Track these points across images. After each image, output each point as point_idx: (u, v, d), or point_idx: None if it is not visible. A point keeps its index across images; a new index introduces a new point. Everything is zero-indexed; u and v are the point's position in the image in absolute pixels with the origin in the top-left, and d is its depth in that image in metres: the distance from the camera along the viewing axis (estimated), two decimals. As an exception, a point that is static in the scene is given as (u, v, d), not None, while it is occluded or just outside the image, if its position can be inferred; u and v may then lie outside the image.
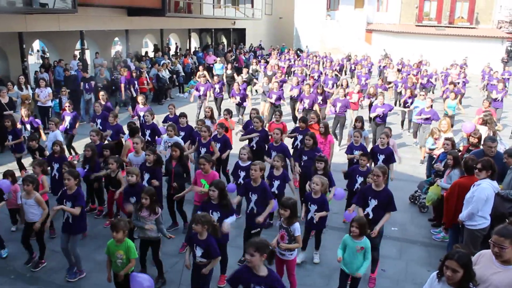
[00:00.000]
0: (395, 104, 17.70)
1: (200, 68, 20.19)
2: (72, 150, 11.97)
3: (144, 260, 6.67)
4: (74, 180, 6.65)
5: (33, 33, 18.67)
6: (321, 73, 21.46)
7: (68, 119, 11.72)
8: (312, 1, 38.52)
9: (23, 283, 6.72)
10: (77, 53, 21.94)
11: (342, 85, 16.42)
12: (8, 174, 7.87)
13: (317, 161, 7.96)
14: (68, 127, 11.65)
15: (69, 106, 11.89)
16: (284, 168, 8.09)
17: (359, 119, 10.43)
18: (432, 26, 36.07)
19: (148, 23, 24.05)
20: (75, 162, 10.95)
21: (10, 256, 7.41)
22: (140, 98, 12.62)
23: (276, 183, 7.87)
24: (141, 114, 11.78)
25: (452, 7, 35.89)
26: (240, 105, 15.64)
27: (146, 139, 9.97)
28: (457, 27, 35.59)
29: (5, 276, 6.88)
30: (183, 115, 10.67)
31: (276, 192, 7.78)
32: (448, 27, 35.76)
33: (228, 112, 11.38)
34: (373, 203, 6.50)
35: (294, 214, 5.91)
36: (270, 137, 10.11)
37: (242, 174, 8.04)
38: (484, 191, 6.25)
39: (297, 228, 5.91)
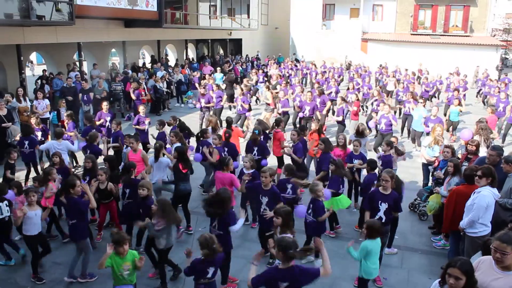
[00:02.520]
0: (395, 113, 17.82)
1: (207, 76, 20.12)
2: (73, 160, 12.00)
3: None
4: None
5: (31, 45, 18.72)
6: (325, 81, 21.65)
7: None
8: (307, 11, 38.78)
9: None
10: (74, 64, 21.97)
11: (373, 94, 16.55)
12: (14, 185, 7.87)
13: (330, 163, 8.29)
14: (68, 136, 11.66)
15: (71, 116, 12.14)
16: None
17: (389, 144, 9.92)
18: (427, 35, 36.37)
19: (145, 34, 24.15)
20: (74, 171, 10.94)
21: (12, 268, 7.39)
22: (141, 108, 12.71)
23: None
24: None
25: (446, 16, 36.24)
26: (241, 114, 15.76)
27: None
28: (452, 35, 35.93)
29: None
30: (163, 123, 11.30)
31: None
32: (443, 35, 36.08)
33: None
34: (383, 206, 6.71)
35: (286, 223, 5.89)
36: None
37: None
38: (484, 198, 6.29)
39: None
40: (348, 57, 34.50)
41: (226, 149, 9.79)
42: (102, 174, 7.94)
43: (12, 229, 7.63)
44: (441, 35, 36.16)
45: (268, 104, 16.44)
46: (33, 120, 11.85)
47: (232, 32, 33.13)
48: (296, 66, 30.32)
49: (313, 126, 11.22)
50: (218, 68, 23.84)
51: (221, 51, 35.72)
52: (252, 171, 8.08)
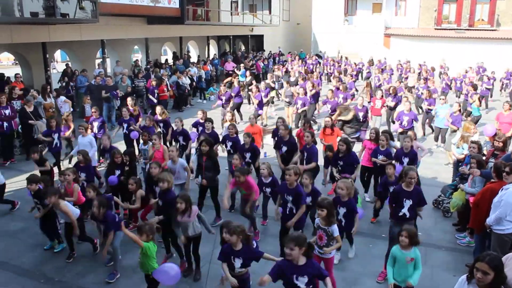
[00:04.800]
0: (417, 110, 17.61)
1: (234, 80, 20.13)
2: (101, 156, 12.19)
3: (190, 256, 6.92)
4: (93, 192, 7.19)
5: (55, 42, 19.00)
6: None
7: (96, 124, 11.94)
8: (329, 6, 38.47)
9: (53, 286, 6.85)
10: (98, 61, 22.29)
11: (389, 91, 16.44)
12: (42, 180, 8.01)
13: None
14: (96, 132, 11.88)
15: (95, 112, 12.14)
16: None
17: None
18: (451, 29, 35.68)
19: (167, 31, 24.31)
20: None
21: (40, 261, 7.57)
22: (158, 109, 12.64)
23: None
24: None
25: (472, 10, 35.48)
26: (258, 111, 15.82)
27: (180, 145, 10.68)
28: (478, 30, 35.14)
29: (34, 280, 7.04)
30: (209, 120, 11.02)
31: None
32: (468, 29, 35.32)
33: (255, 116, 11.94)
34: (408, 203, 6.64)
35: (332, 214, 5.92)
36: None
37: (268, 190, 8.16)
38: (512, 195, 6.16)
39: (336, 229, 5.93)
40: (371, 52, 34.13)
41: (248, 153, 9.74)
42: (133, 184, 8.05)
43: (56, 217, 7.83)
44: (466, 29, 35.42)
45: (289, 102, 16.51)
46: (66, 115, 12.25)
47: (253, 28, 33.12)
48: (318, 62, 30.23)
49: (327, 119, 11.19)
50: (241, 65, 23.89)
51: (243, 47, 35.75)
52: (270, 179, 8.06)
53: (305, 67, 25.50)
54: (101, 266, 7.30)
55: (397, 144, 11.06)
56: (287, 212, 7.00)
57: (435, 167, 12.27)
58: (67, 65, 21.31)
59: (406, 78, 23.67)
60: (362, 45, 36.38)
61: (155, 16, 21.73)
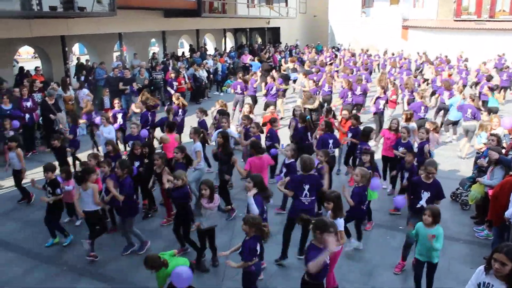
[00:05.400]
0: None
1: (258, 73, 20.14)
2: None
3: (204, 248, 6.99)
4: (123, 171, 7.18)
5: (74, 36, 19.22)
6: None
7: (120, 115, 12.18)
8: (346, -2, 38.24)
9: (74, 274, 7.05)
10: (116, 54, 22.51)
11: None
12: (63, 171, 8.19)
13: (363, 153, 8.22)
14: (121, 123, 12.14)
15: (118, 103, 12.40)
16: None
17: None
18: (471, 21, 35.06)
19: (184, 24, 24.43)
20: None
21: (62, 249, 7.78)
22: (174, 97, 12.89)
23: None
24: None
25: (492, 0, 34.85)
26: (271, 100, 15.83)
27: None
28: (499, 21, 34.44)
29: (57, 267, 7.25)
30: (222, 112, 11.25)
31: None
32: (489, 21, 34.63)
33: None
34: (425, 195, 6.69)
35: (338, 208, 5.94)
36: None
37: (284, 170, 8.23)
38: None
39: (340, 223, 5.93)
40: (388, 45, 33.81)
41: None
42: (158, 159, 8.16)
43: (61, 212, 8.03)
44: (486, 20, 34.75)
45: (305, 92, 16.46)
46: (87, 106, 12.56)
47: (270, 20, 33.05)
48: (335, 54, 30.08)
49: (344, 113, 11.20)
50: (256, 58, 23.92)
51: (259, 40, 35.69)
52: (292, 160, 8.16)
53: (322, 59, 25.38)
54: (122, 256, 7.46)
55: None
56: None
57: (452, 160, 12.18)
58: (78, 58, 21.55)
59: (420, 71, 23.44)
60: (379, 37, 36.05)
61: (172, 9, 21.87)
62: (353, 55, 28.81)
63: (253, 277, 5.56)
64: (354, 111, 13.38)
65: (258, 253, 5.42)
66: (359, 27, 37.56)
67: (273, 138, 10.14)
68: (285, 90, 17.65)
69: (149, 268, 5.60)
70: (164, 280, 5.70)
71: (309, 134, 10.47)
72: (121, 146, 11.54)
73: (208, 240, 6.93)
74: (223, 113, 11.49)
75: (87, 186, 7.18)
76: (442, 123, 14.62)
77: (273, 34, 36.35)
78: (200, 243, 6.97)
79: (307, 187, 6.85)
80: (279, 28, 35.85)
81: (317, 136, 9.94)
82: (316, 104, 13.23)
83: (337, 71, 20.69)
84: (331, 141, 9.50)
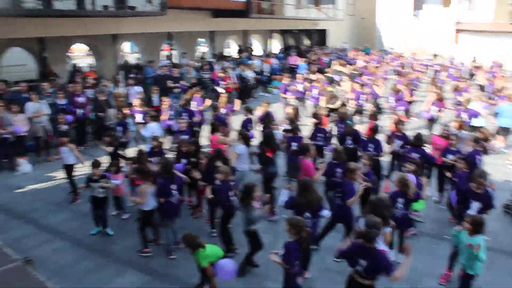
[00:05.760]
0: None
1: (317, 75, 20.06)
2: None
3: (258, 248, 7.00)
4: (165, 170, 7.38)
5: (124, 34, 19.72)
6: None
7: (168, 113, 12.44)
8: (395, 0, 37.48)
9: (120, 265, 7.30)
10: (165, 53, 22.95)
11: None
12: (113, 165, 8.44)
13: (408, 162, 8.05)
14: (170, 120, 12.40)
15: (167, 101, 12.71)
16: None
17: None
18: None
19: (232, 24, 24.64)
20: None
21: (109, 240, 8.06)
22: (223, 98, 13.02)
23: None
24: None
25: (552, 2, 33.28)
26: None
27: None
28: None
29: (105, 258, 7.55)
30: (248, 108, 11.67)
31: None
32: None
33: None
34: (475, 205, 6.52)
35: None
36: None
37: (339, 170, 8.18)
38: None
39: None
40: (439, 48, 32.94)
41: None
42: (203, 158, 8.29)
43: (108, 206, 8.28)
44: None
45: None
46: (136, 102, 12.82)
47: (317, 22, 32.87)
48: (383, 58, 29.61)
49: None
50: (303, 59, 23.84)
51: (306, 42, 35.55)
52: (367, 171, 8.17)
53: (370, 63, 25.03)
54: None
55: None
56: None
57: (504, 169, 11.76)
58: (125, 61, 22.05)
59: (472, 76, 22.75)
60: (430, 40, 35.16)
61: (220, 10, 22.08)
62: (400, 57, 28.32)
63: (293, 278, 5.51)
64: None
65: (298, 256, 5.38)
66: (409, 30, 36.75)
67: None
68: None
69: (186, 246, 5.78)
70: (203, 261, 5.79)
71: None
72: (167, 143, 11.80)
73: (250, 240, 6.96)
74: (268, 114, 11.59)
75: (143, 185, 7.34)
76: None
77: (320, 36, 36.12)
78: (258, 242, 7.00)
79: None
80: (326, 30, 35.59)
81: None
82: (337, 104, 13.38)
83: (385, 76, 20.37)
84: (372, 146, 9.42)
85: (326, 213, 6.62)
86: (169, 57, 22.57)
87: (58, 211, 9.26)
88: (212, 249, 5.95)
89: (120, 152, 10.33)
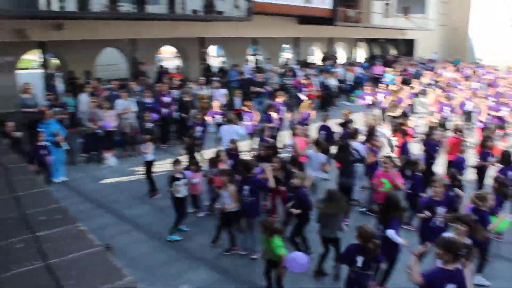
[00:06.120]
0: None
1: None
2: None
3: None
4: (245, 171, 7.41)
5: (211, 38, 20.24)
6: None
7: (249, 117, 12.63)
8: (491, 10, 35.50)
9: (193, 261, 7.44)
10: (249, 58, 23.31)
11: None
12: (193, 164, 8.67)
13: (495, 181, 7.68)
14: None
15: (249, 106, 12.90)
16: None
17: None
18: None
19: (317, 31, 24.55)
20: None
21: (185, 236, 8.21)
22: (305, 103, 12.99)
23: None
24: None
25: None
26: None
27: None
28: None
29: (179, 253, 7.74)
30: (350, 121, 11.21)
31: None
32: None
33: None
34: None
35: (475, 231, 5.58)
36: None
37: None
38: None
39: None
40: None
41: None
42: (277, 163, 8.30)
43: (187, 204, 8.46)
44: None
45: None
46: (216, 104, 13.08)
47: (405, 32, 31.93)
48: (475, 70, 28.20)
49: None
50: (390, 69, 23.20)
51: (392, 51, 34.63)
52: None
53: (454, 76, 23.87)
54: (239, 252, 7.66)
55: None
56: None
57: None
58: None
59: None
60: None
61: (306, 16, 22.07)
62: (493, 70, 26.79)
63: None
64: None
65: (356, 263, 5.36)
66: (505, 40, 34.67)
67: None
68: (412, 105, 16.96)
69: (262, 230, 5.85)
70: (279, 248, 5.77)
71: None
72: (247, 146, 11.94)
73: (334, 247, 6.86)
74: (348, 122, 11.41)
75: (227, 186, 7.41)
76: None
77: (407, 46, 35.01)
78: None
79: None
80: (414, 40, 34.47)
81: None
82: (398, 112, 13.49)
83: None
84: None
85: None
86: (253, 62, 22.89)
87: (138, 204, 9.64)
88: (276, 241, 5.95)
89: (197, 152, 10.57)
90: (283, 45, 26.20)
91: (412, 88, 18.83)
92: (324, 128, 11.44)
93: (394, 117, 13.29)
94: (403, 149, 10.13)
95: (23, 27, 13.37)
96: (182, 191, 8.04)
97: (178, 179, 8.06)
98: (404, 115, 13.97)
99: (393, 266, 6.30)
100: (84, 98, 12.88)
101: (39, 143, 9.53)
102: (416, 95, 18.52)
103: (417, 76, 24.22)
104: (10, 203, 4.71)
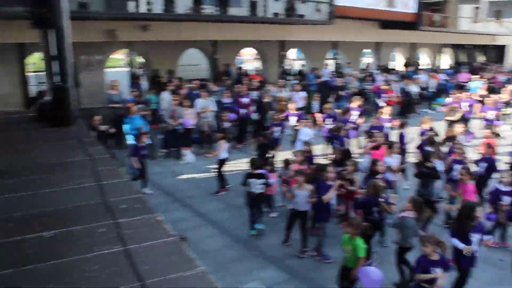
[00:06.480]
0: None
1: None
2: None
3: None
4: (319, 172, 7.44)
5: (292, 41, 20.32)
6: None
7: (329, 121, 12.57)
8: None
9: (262, 260, 7.52)
10: (328, 62, 23.16)
11: None
12: (269, 164, 8.80)
13: None
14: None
15: (329, 109, 12.87)
16: None
17: None
18: None
19: (399, 36, 23.91)
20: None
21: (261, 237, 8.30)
22: (387, 110, 12.70)
23: None
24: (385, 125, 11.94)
25: None
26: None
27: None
28: None
29: (248, 249, 7.86)
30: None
31: None
32: None
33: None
34: None
35: None
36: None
37: (507, 199, 7.54)
38: None
39: None
40: None
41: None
42: (351, 166, 8.21)
43: (263, 202, 8.55)
44: None
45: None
46: (291, 106, 13.20)
47: (496, 37, 30.27)
48: None
49: None
50: (477, 77, 22.11)
51: (480, 58, 32.96)
52: (510, 188, 7.44)
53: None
54: (309, 253, 7.62)
55: None
56: None
57: None
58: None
59: None
60: None
61: (389, 21, 21.58)
62: None
63: None
64: None
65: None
66: None
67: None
68: (498, 115, 16.05)
69: (351, 228, 5.79)
70: (361, 251, 5.72)
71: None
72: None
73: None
74: (430, 130, 11.06)
75: (303, 186, 7.43)
76: None
77: (498, 52, 33.13)
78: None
79: None
80: (505, 46, 32.57)
81: None
82: (457, 117, 13.18)
83: None
84: None
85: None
86: (332, 66, 22.73)
87: (212, 200, 9.88)
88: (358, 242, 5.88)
89: (271, 152, 10.67)
90: (364, 50, 25.78)
91: (501, 97, 17.87)
92: (401, 135, 11.15)
93: (452, 122, 12.83)
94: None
95: (113, 28, 14.15)
96: (258, 188, 8.12)
97: (256, 176, 8.16)
98: (464, 120, 13.58)
99: (465, 278, 6.06)
100: (166, 96, 13.41)
101: (140, 144, 9.94)
102: (506, 104, 17.54)
103: (507, 84, 22.90)
104: (94, 191, 5.05)
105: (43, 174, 5.67)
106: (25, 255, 3.60)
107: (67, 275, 3.33)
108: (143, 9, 13.75)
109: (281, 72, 19.51)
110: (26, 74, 15.18)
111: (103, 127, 10.45)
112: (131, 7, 13.39)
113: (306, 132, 11.12)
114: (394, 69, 24.28)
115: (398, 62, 28.63)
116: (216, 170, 10.36)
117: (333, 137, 10.95)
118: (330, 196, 7.41)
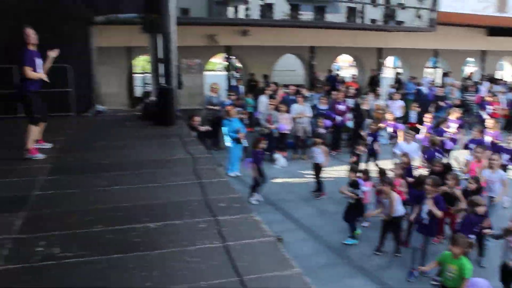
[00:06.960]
0: None
1: None
2: None
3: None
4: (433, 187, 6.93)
5: (390, 49, 19.84)
6: None
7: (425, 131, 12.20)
8: None
9: (352, 268, 7.41)
10: (428, 71, 22.32)
11: None
12: (364, 173, 8.73)
13: None
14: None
15: (430, 118, 12.50)
16: None
17: None
18: None
19: (508, 44, 22.43)
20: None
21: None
22: (491, 122, 11.95)
23: None
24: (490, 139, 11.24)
25: None
26: None
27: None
28: None
29: (338, 257, 7.76)
30: None
31: None
32: None
33: None
34: None
35: None
36: None
37: None
38: None
39: None
40: None
41: None
42: (451, 179, 7.87)
43: (363, 211, 8.43)
44: None
45: None
46: (389, 116, 13.07)
47: None
48: None
49: None
50: None
51: None
52: None
53: None
54: (403, 267, 7.38)
55: None
56: None
57: None
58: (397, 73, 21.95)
59: None
60: None
61: (498, 27, 20.36)
62: None
63: None
64: None
65: None
66: None
67: None
68: None
69: (455, 245, 5.51)
70: (468, 272, 5.42)
71: None
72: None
73: None
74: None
75: (388, 194, 7.30)
76: None
77: None
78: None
79: None
80: None
81: None
82: None
83: None
84: None
85: None
86: (432, 75, 21.88)
87: (304, 205, 9.87)
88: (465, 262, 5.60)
89: (370, 161, 10.47)
90: (467, 58, 24.52)
91: None
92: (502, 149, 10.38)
93: None
94: None
95: (213, 33, 14.70)
96: (360, 195, 8.12)
97: (357, 184, 8.15)
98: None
99: None
100: (263, 100, 13.67)
101: (258, 149, 10.02)
102: None
103: None
104: (195, 188, 5.29)
105: (149, 169, 6.05)
106: (133, 242, 3.88)
107: (170, 264, 3.54)
108: (241, 15, 14.17)
109: (377, 80, 19.05)
110: (132, 75, 16.22)
111: (203, 128, 10.84)
112: (230, 12, 13.86)
113: (406, 147, 10.66)
114: (501, 79, 22.82)
115: (506, 71, 26.88)
116: (314, 174, 10.39)
117: (434, 150, 10.45)
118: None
